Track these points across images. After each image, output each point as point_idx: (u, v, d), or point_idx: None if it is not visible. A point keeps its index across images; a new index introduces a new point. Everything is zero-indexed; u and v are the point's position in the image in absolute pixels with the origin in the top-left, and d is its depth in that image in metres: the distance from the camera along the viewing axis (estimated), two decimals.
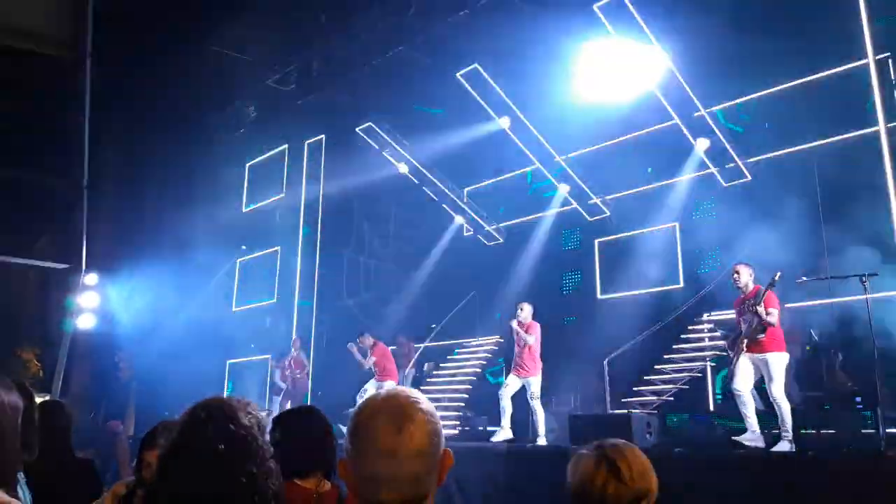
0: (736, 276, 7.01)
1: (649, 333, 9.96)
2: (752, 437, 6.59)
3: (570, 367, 10.70)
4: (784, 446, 6.32)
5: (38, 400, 3.61)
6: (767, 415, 7.87)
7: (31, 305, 11.72)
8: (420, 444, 1.31)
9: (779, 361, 6.57)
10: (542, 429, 8.38)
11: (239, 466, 1.57)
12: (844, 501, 5.01)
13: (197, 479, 1.54)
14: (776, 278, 6.51)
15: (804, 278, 6.56)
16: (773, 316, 6.52)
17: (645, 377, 10.31)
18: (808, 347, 8.90)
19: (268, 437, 1.75)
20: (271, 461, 1.67)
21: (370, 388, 10.19)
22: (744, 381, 6.70)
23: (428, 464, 1.32)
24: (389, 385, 10.22)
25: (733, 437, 6.64)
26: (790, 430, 6.38)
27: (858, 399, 8.03)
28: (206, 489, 1.53)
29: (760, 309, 6.49)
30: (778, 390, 6.47)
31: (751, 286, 6.94)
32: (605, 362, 9.15)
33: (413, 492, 1.31)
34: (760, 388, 8.75)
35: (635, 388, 10.24)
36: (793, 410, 8.02)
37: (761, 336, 6.59)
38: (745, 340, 6.68)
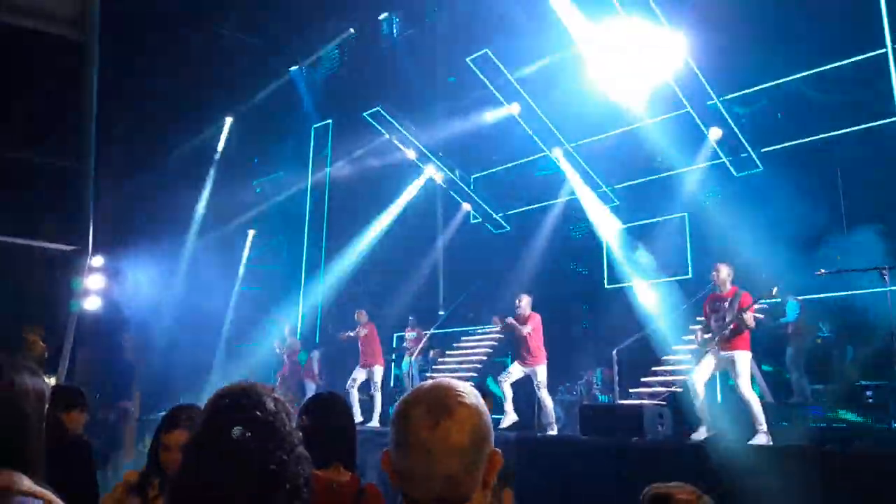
0: (715, 273, 7.06)
1: (658, 324, 9.89)
2: (707, 429, 6.64)
3: (578, 357, 10.66)
4: (761, 439, 6.33)
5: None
6: (772, 405, 7.87)
7: (36, 286, 11.67)
8: (458, 441, 1.21)
9: (745, 359, 6.66)
10: (551, 417, 8.34)
11: (269, 454, 1.51)
12: (858, 495, 4.96)
13: (226, 469, 1.47)
14: (774, 293, 6.53)
15: (822, 270, 6.49)
16: (753, 321, 6.62)
17: (654, 368, 10.24)
18: (818, 340, 8.84)
19: (295, 423, 1.68)
20: (300, 447, 1.61)
21: (358, 376, 10.23)
22: (703, 375, 6.79)
23: (466, 463, 1.22)
24: (378, 370, 10.25)
25: (692, 436, 6.65)
26: (763, 423, 6.40)
27: (869, 393, 7.98)
28: (235, 479, 1.47)
29: (747, 316, 6.54)
30: (745, 386, 6.55)
31: (728, 286, 6.98)
32: (615, 352, 9.08)
33: (448, 492, 1.21)
34: (767, 380, 8.74)
35: (644, 379, 10.17)
36: (803, 403, 8.01)
37: (733, 336, 6.66)
38: (718, 339, 6.72)
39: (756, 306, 6.95)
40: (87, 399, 3.92)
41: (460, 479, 1.22)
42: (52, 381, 8.84)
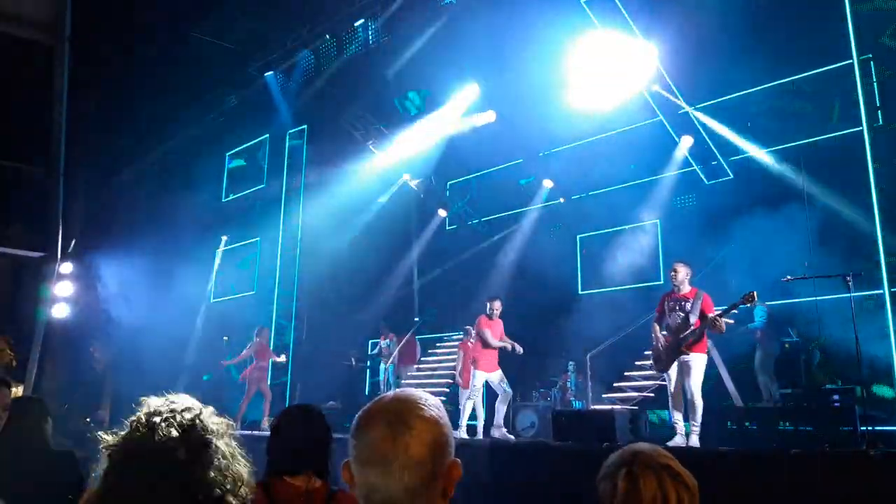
0: (673, 273, 7.03)
1: (630, 330, 9.98)
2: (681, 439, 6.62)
3: (553, 362, 10.72)
4: (693, 441, 6.41)
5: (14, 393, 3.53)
6: (741, 409, 7.97)
7: (3, 294, 11.47)
8: (417, 454, 1.21)
9: (700, 362, 6.66)
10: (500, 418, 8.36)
11: (191, 472, 1.45)
12: (826, 499, 5.05)
13: (143, 490, 1.42)
14: (753, 298, 6.48)
15: (789, 277, 6.59)
16: (724, 326, 6.58)
17: (626, 373, 10.35)
18: (786, 345, 9.00)
19: (223, 441, 1.58)
20: (222, 463, 1.53)
21: None
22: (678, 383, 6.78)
23: (425, 476, 1.21)
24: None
25: (667, 444, 6.60)
26: (699, 426, 6.45)
27: (836, 397, 8.13)
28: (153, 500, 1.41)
29: (720, 322, 6.50)
30: (696, 387, 6.54)
31: (686, 286, 6.94)
32: (587, 358, 9.15)
33: None
34: (744, 383, 8.87)
35: (616, 385, 10.27)
36: (772, 407, 8.14)
37: (693, 338, 6.65)
38: (680, 342, 6.70)
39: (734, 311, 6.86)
40: (46, 409, 3.86)
41: (419, 492, 1.21)
42: (19, 390, 8.68)
